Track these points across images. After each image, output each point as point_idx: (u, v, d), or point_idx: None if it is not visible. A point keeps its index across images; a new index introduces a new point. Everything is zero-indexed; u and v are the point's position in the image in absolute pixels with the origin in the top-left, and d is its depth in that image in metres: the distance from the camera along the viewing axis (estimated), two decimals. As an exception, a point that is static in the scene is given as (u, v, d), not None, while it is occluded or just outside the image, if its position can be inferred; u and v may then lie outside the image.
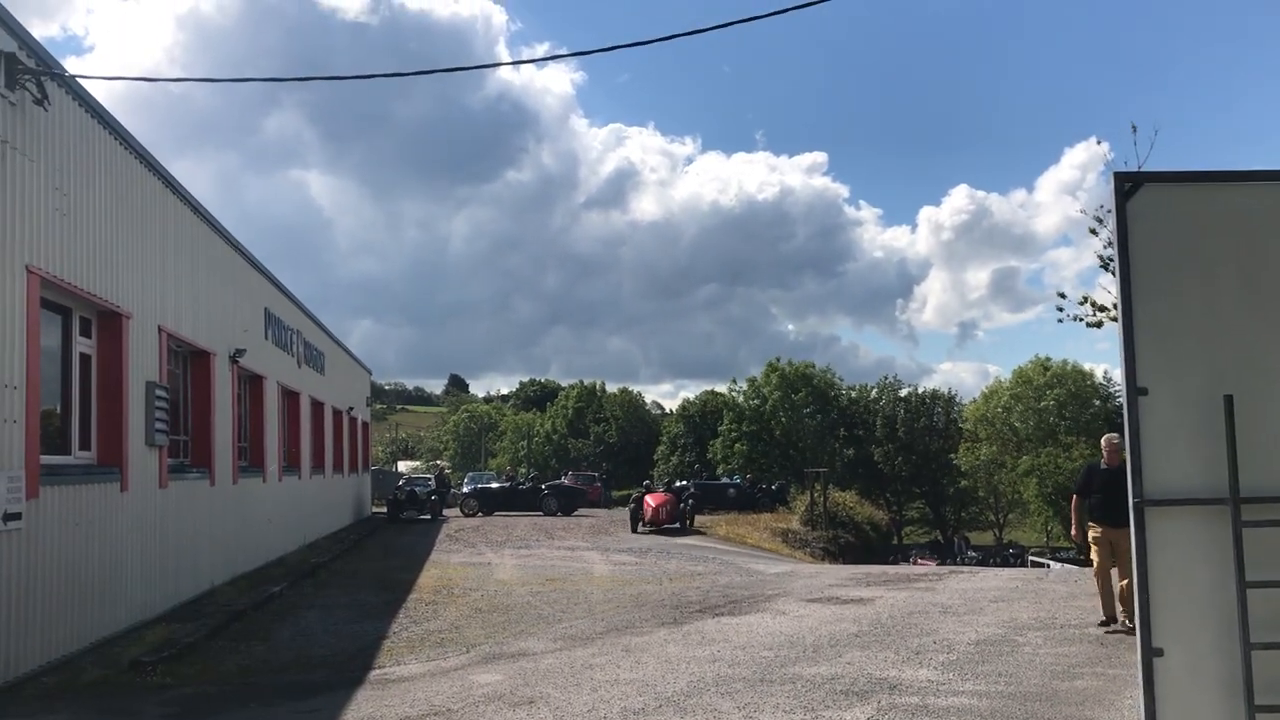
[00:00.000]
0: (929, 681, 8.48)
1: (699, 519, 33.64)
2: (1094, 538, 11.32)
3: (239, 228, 18.60)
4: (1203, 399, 4.32)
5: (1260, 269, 4.39)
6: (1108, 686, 8.17)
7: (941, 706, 7.57)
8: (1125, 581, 10.59)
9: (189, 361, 15.45)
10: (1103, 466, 11.40)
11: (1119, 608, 10.98)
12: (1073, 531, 12.18)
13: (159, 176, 13.08)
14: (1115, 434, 11.41)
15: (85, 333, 11.33)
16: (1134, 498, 4.30)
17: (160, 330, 13.09)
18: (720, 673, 9.01)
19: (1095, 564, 11.42)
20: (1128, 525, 9.01)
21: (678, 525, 30.41)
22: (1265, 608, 4.20)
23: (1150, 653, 4.24)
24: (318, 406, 26.02)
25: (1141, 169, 20.91)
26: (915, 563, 41.54)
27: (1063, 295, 23.85)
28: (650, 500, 30.68)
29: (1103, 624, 11.10)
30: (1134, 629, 8.63)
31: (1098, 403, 63.86)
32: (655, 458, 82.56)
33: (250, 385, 19.20)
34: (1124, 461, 9.82)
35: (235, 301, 17.41)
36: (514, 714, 7.68)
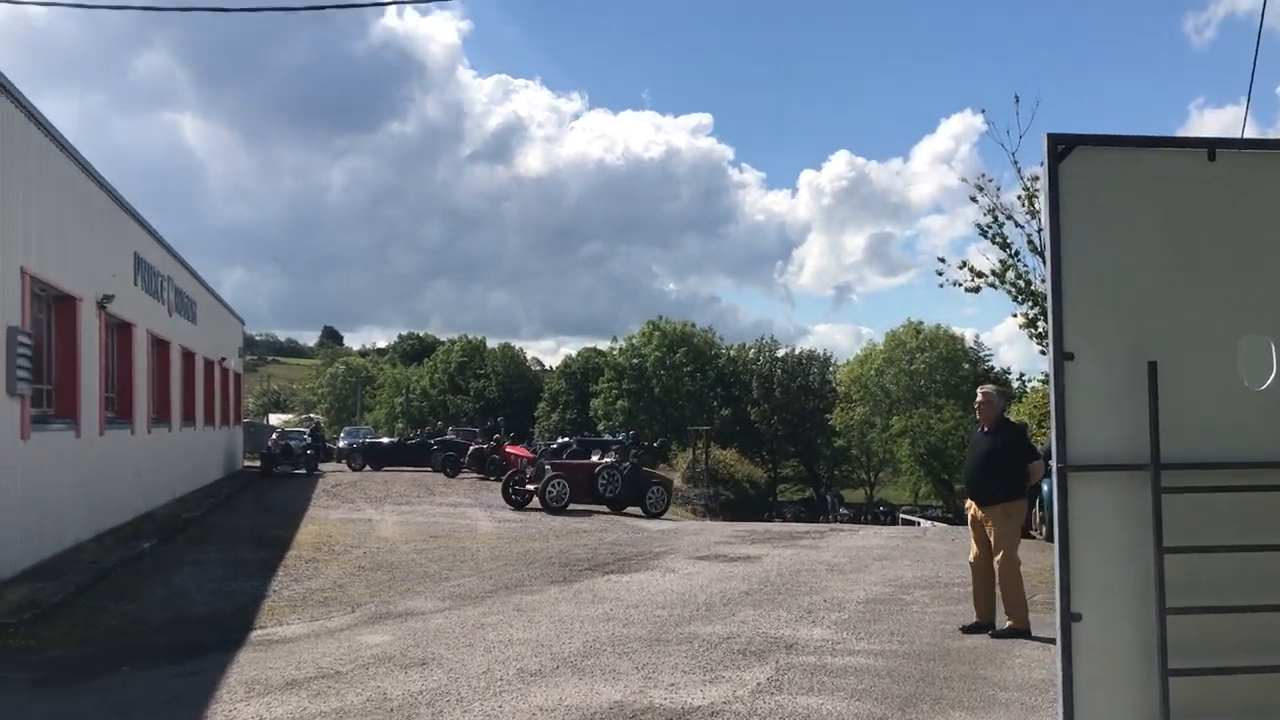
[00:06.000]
0: (824, 640, 8.53)
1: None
2: (970, 517, 9.27)
3: (107, 169, 17.46)
4: (1128, 365, 4.31)
5: (1186, 236, 4.39)
6: (998, 645, 8.33)
7: (839, 665, 7.60)
8: (999, 562, 8.72)
9: (54, 306, 14.60)
10: (979, 431, 9.36)
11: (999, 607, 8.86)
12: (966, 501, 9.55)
13: (23, 110, 12.24)
14: (990, 385, 9.69)
15: (-61, 273, 10.56)
16: (1058, 463, 4.28)
17: (23, 272, 12.30)
18: (615, 632, 8.91)
19: (971, 551, 9.20)
20: (993, 502, 8.93)
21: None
22: (1181, 573, 4.23)
23: (1069, 618, 4.24)
24: (189, 356, 25.03)
25: (1022, 139, 21.42)
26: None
27: (942, 260, 24.43)
28: (511, 450, 32.60)
29: (969, 629, 8.88)
30: (1020, 630, 8.58)
31: (967, 366, 65.70)
32: (536, 414, 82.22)
33: (118, 333, 18.31)
34: (1006, 423, 9.71)
35: (104, 245, 16.53)
36: (406, 676, 7.45)
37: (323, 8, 9.53)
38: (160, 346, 21.82)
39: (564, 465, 23.80)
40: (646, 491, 22.96)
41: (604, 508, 22.61)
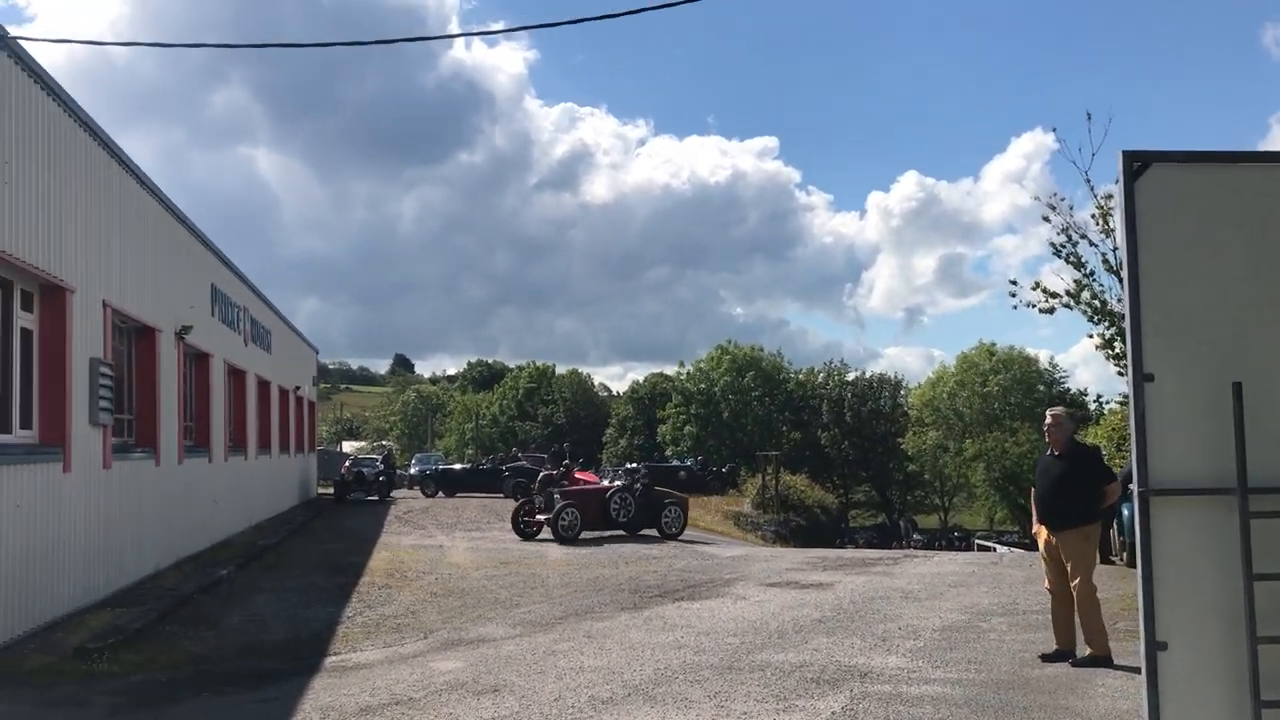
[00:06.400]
0: (899, 669, 8.39)
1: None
2: (1041, 543, 9.04)
3: (185, 203, 17.94)
4: (1210, 386, 4.20)
5: (1269, 252, 4.28)
6: (1079, 673, 8.12)
7: (915, 695, 7.47)
8: (1077, 588, 8.53)
9: (134, 338, 14.98)
10: (1048, 454, 9.14)
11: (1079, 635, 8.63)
12: (1032, 528, 9.33)
13: (105, 147, 12.60)
14: (1059, 407, 9.54)
15: (27, 307, 10.88)
16: (1139, 487, 4.18)
17: (105, 305, 12.64)
18: (687, 660, 8.85)
19: (1047, 577, 9.01)
20: (1071, 526, 8.76)
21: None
22: (1272, 600, 4.10)
23: (1154, 647, 4.12)
24: (264, 385, 25.49)
25: (1095, 156, 21.06)
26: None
27: (1014, 282, 24.05)
28: (581, 476, 30.71)
29: (1049, 657, 8.65)
30: (1101, 658, 8.40)
31: (1042, 388, 64.59)
32: (604, 440, 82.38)
33: (196, 363, 18.72)
34: (1077, 445, 9.48)
35: (182, 277, 16.92)
36: (479, 703, 7.46)
37: (392, 41, 9.73)
38: (237, 376, 22.25)
39: (574, 492, 22.64)
40: (661, 512, 22.21)
41: (619, 532, 21.84)
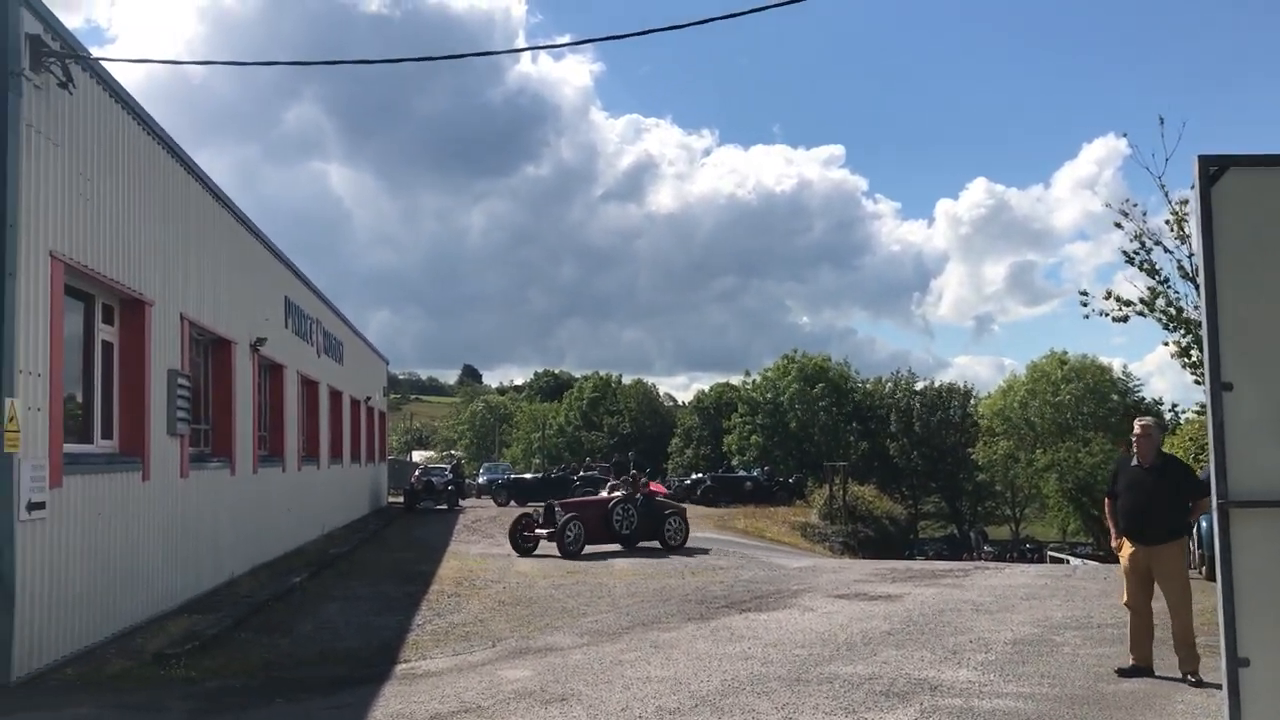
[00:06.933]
0: (970, 682, 8.27)
1: (717, 511, 34.12)
2: (1125, 557, 8.67)
3: (259, 217, 18.17)
4: (1292, 395, 4.10)
5: (1353, 258, 4.16)
6: (1156, 690, 7.94)
7: (987, 709, 7.36)
8: (1183, 601, 8.30)
9: (210, 350, 15.31)
10: (1133, 463, 8.72)
11: (1175, 655, 8.35)
12: (1112, 541, 9.04)
13: (182, 163, 12.91)
14: (1148, 417, 9.18)
15: (108, 320, 11.19)
16: (1218, 498, 4.09)
17: (182, 318, 12.94)
18: (754, 671, 8.82)
19: (1125, 593, 8.76)
20: (1167, 540, 8.50)
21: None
22: (1358, 615, 3.98)
23: (1236, 662, 4.02)
24: (336, 396, 25.90)
25: (1168, 161, 20.65)
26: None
27: (1084, 293, 23.53)
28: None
29: (1125, 672, 8.45)
30: (1197, 681, 8.15)
31: (1116, 397, 63.24)
32: (669, 450, 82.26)
33: (270, 374, 19.08)
34: (1167, 456, 9.18)
35: (256, 290, 17.28)
36: (546, 711, 7.50)
37: (459, 56, 9.86)
38: (309, 386, 22.64)
39: (577, 505, 21.82)
40: (664, 524, 21.55)
41: (618, 546, 21.11)
